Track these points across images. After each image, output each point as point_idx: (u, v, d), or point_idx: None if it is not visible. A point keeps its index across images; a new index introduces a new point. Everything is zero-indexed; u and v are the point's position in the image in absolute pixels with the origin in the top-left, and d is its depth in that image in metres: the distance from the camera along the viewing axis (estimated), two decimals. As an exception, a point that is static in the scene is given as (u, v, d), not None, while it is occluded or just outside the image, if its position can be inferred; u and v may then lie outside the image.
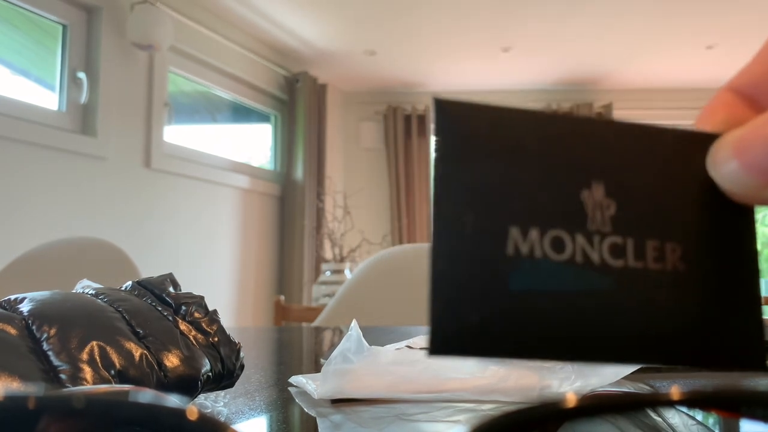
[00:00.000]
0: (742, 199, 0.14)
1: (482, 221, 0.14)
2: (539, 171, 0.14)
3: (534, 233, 0.14)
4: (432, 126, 0.14)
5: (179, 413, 0.11)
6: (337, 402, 0.26)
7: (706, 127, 0.16)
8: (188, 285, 0.28)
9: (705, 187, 0.15)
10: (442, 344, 0.13)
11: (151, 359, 0.24)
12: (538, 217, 0.14)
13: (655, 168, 0.15)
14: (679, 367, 0.15)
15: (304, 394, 0.28)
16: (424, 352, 0.26)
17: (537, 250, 0.14)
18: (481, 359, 0.13)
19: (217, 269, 2.33)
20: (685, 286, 0.15)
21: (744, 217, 0.15)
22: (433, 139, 0.14)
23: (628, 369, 0.24)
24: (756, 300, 0.15)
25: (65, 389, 0.15)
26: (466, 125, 0.14)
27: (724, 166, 0.14)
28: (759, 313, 0.15)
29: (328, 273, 2.39)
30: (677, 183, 0.15)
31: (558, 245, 0.14)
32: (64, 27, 1.84)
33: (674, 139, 0.15)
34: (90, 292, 0.28)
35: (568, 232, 0.14)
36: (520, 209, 0.14)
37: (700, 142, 0.15)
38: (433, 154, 0.14)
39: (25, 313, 0.24)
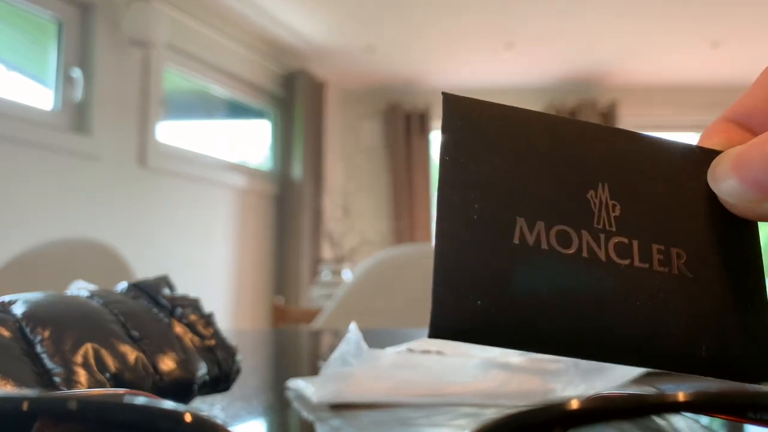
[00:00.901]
0: (741, 213, 0.15)
1: (489, 210, 0.14)
2: (546, 168, 0.15)
3: (541, 226, 0.14)
4: (440, 120, 0.15)
5: (175, 416, 0.11)
6: (336, 406, 0.25)
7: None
8: (184, 287, 0.27)
9: (709, 199, 0.15)
10: (442, 327, 0.13)
11: (146, 362, 0.24)
12: (545, 211, 0.14)
13: (660, 178, 0.15)
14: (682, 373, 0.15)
15: (303, 398, 0.28)
16: (424, 355, 0.26)
17: (543, 242, 0.14)
18: (480, 346, 0.14)
19: (213, 270, 2.33)
20: (690, 291, 0.15)
21: (748, 229, 0.15)
22: (440, 133, 0.15)
23: (633, 372, 0.24)
24: (762, 311, 0.15)
25: (59, 392, 0.15)
26: (474, 121, 0.15)
27: (723, 182, 0.15)
28: (765, 324, 0.15)
29: (326, 274, 2.39)
30: (682, 194, 0.15)
31: (564, 239, 0.14)
32: (59, 24, 1.83)
33: (679, 153, 0.16)
34: (84, 294, 0.27)
35: (575, 228, 0.14)
36: (527, 202, 0.14)
37: (703, 157, 0.16)
38: (440, 147, 0.14)
39: (19, 315, 0.24)
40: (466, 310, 0.13)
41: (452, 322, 0.13)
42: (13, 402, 0.10)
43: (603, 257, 0.14)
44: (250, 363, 0.43)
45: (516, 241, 0.14)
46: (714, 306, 0.15)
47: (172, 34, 2.03)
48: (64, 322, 0.24)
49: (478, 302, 0.13)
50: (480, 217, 0.14)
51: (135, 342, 0.24)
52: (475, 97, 0.15)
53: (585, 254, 0.14)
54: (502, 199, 0.14)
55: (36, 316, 0.24)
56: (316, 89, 2.81)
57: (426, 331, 0.13)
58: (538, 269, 0.14)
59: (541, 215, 0.14)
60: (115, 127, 1.91)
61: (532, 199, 0.14)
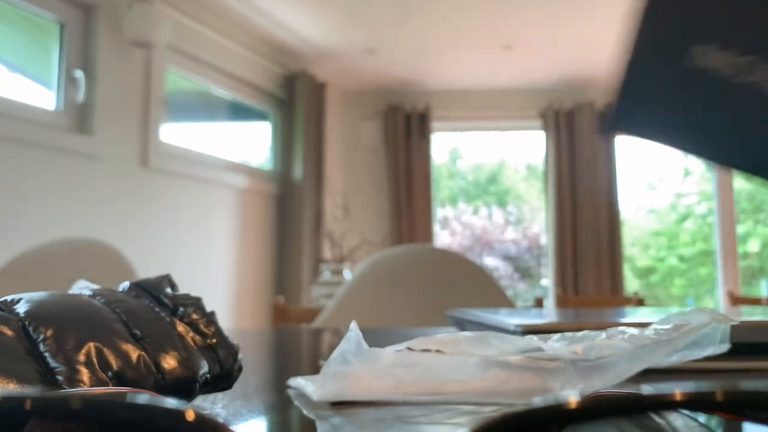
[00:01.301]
0: None
1: (680, 33, 0.15)
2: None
3: (728, 53, 0.15)
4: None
5: (177, 415, 0.11)
6: (337, 404, 0.25)
7: None
8: (186, 286, 0.28)
9: None
10: (616, 123, 0.15)
11: (148, 361, 0.24)
12: (737, 40, 0.15)
13: None
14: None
15: (303, 396, 0.28)
16: (424, 354, 0.26)
17: (728, 68, 0.15)
18: (643, 140, 0.17)
19: (215, 270, 2.33)
20: None
21: None
22: None
23: (632, 371, 0.24)
24: None
25: (62, 391, 0.15)
26: None
27: None
28: None
29: (327, 274, 2.39)
30: None
31: (749, 67, 0.15)
32: (61, 25, 1.84)
33: None
34: (87, 293, 0.27)
35: (763, 58, 0.15)
36: (720, 30, 0.15)
37: None
38: None
39: (22, 314, 0.24)
40: (640, 114, 0.15)
41: (623, 122, 0.15)
42: (17, 401, 0.11)
43: None
44: (252, 362, 0.43)
45: (697, 63, 0.15)
46: None
47: (174, 36, 2.03)
48: (67, 322, 0.24)
49: (652, 109, 0.15)
50: (672, 38, 0.15)
51: (137, 341, 0.25)
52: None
53: (764, 85, 0.15)
54: (696, 25, 0.15)
55: (39, 315, 0.24)
56: (317, 90, 2.82)
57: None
58: (711, 90, 0.15)
59: (730, 43, 0.15)
60: (117, 128, 1.92)
61: (727, 26, 0.15)
